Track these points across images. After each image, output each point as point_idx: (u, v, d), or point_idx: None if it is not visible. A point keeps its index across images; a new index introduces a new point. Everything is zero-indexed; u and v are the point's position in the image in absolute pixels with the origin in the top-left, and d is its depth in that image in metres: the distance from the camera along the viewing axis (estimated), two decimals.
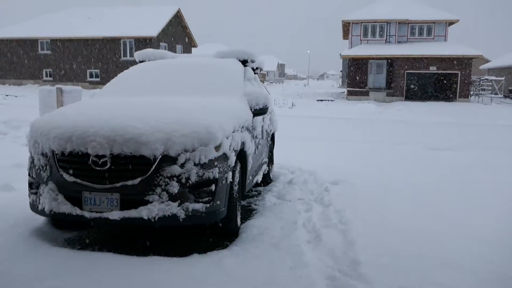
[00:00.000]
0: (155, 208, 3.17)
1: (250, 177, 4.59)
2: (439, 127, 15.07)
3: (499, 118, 18.58)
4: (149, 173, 3.20)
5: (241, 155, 4.07)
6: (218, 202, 3.41)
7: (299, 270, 3.09)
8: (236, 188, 3.76)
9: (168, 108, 3.67)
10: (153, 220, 3.16)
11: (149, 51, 5.62)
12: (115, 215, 3.18)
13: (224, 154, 3.49)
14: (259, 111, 4.49)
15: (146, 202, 3.20)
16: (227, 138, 3.53)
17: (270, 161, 6.37)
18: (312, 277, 2.99)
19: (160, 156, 3.20)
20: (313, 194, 5.53)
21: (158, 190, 3.20)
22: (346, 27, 33.55)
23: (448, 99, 28.55)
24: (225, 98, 4.25)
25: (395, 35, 30.26)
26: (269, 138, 5.92)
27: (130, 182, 3.20)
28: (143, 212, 3.15)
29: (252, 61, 5.38)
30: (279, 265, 3.18)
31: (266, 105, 4.50)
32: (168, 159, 3.22)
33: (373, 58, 29.26)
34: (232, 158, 3.60)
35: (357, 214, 4.40)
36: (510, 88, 33.57)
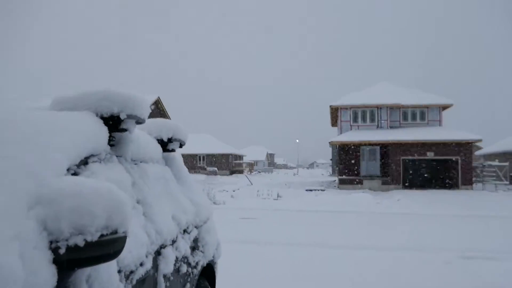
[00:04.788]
0: None
1: None
2: (456, 222, 12.15)
3: None
4: None
5: None
6: None
7: None
8: None
9: None
10: None
11: None
12: None
13: None
14: (85, 255, 1.30)
15: None
16: None
17: None
18: None
19: None
20: None
21: None
22: (335, 113, 31.96)
23: (449, 186, 25.90)
24: None
25: (387, 120, 28.47)
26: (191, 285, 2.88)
27: None
28: None
29: (137, 119, 2.17)
30: None
31: (116, 230, 1.37)
32: None
33: (364, 144, 27.06)
34: None
35: None
36: (511, 174, 31.35)
